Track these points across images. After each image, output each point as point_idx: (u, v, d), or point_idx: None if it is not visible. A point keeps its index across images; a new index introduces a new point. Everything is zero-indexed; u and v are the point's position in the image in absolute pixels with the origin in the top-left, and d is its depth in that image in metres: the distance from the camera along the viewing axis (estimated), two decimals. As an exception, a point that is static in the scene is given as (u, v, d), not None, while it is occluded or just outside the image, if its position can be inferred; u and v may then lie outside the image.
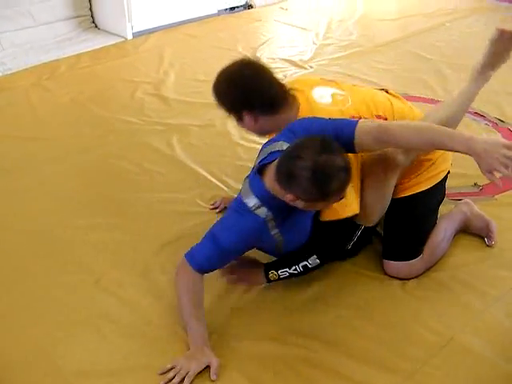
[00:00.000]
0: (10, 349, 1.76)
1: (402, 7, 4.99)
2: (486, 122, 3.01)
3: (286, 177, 1.59)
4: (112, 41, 4.25)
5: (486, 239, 2.17)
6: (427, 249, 2.03)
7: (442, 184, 2.07)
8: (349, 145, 1.68)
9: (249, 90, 1.88)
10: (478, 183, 2.47)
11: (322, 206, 1.70)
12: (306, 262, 1.86)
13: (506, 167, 1.56)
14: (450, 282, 2.00)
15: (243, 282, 1.97)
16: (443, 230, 2.09)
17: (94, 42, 4.19)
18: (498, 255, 2.12)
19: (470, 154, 1.61)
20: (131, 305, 1.92)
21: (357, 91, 2.04)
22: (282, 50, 4.08)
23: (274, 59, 3.87)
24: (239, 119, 1.96)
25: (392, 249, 2.02)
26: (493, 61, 2.06)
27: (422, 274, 2.02)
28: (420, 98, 3.26)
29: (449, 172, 2.09)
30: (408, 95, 3.19)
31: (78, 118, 3.15)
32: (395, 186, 1.94)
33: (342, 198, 1.64)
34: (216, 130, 2.97)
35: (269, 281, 1.91)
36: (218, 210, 2.35)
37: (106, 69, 3.80)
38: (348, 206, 1.80)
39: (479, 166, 1.61)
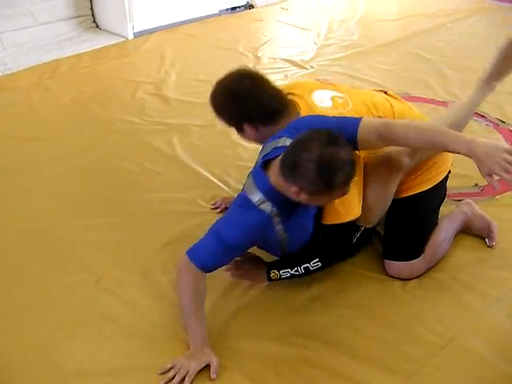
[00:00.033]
0: (10, 349, 1.76)
1: (403, 7, 4.99)
2: (487, 122, 3.01)
3: (291, 168, 1.59)
4: (113, 41, 4.25)
5: (486, 240, 2.17)
6: (428, 249, 2.03)
7: (442, 184, 2.07)
8: (351, 142, 1.68)
9: (248, 103, 1.87)
10: (479, 184, 2.47)
11: (325, 199, 1.69)
12: (307, 264, 1.86)
13: (506, 171, 1.57)
14: (450, 283, 2.00)
15: (245, 278, 1.97)
16: (444, 230, 2.09)
17: (94, 42, 4.18)
18: (499, 256, 2.12)
19: (470, 157, 1.62)
20: (131, 305, 1.92)
21: (356, 93, 2.04)
22: (282, 50, 4.07)
23: (274, 59, 3.88)
24: (240, 130, 1.96)
25: (393, 249, 2.02)
26: (500, 70, 2.06)
27: (423, 275, 2.01)
28: (421, 98, 3.26)
29: (449, 172, 2.09)
30: (409, 95, 3.21)
31: (79, 118, 3.15)
32: (396, 186, 1.94)
33: (344, 194, 1.64)
34: (217, 129, 2.95)
35: (270, 280, 1.91)
36: (218, 210, 2.34)
37: (107, 69, 3.80)
38: (352, 209, 1.80)
39: (479, 169, 1.61)
